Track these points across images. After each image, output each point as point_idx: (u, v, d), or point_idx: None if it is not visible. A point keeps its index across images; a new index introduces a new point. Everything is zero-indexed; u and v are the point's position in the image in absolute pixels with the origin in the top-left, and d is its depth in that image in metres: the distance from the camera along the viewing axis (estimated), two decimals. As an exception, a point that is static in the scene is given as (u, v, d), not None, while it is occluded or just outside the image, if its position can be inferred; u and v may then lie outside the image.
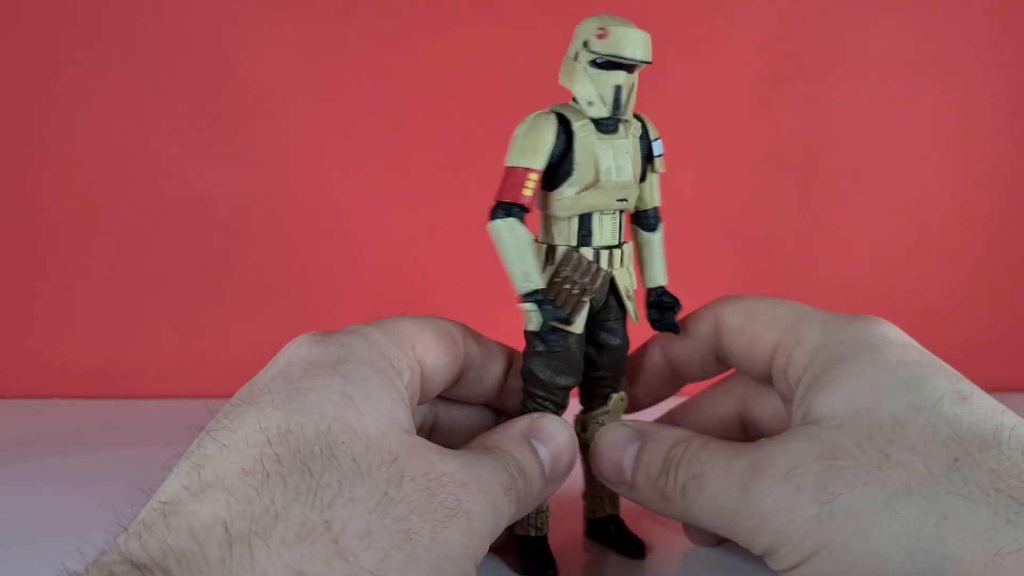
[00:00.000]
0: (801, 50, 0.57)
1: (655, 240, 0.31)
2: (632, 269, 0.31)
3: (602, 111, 0.28)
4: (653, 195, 0.31)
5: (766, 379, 0.30)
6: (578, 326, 0.29)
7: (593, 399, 0.31)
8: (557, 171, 0.28)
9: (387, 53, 0.56)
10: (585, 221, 0.29)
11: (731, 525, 0.25)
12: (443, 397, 0.31)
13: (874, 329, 0.27)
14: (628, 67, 0.28)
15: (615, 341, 0.31)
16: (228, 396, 0.25)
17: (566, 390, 0.30)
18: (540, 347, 0.29)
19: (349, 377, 0.23)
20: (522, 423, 0.28)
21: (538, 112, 0.28)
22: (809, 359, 0.27)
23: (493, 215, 0.27)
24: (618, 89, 0.28)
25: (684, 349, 0.32)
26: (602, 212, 0.29)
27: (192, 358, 0.59)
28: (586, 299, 0.28)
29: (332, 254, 0.59)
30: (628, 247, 0.30)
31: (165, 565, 0.17)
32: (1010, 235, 0.59)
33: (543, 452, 0.27)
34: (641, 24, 0.28)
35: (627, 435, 0.29)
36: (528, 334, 0.29)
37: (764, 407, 0.31)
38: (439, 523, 0.21)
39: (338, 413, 0.22)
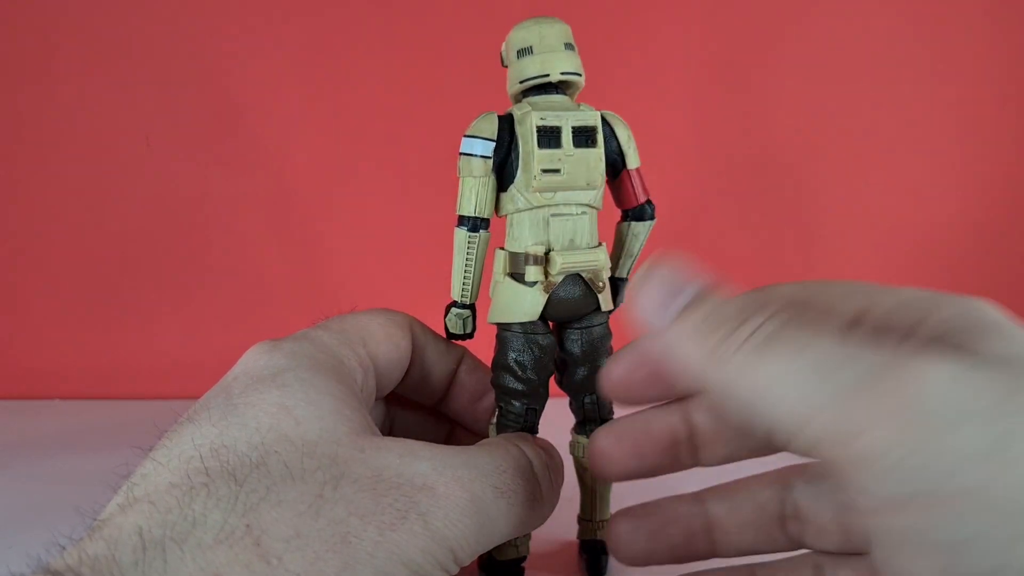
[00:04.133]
0: (787, 44, 0.57)
1: None
2: None
3: None
4: None
5: None
6: None
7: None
8: None
9: (387, 53, 0.57)
10: None
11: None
12: (396, 396, 0.31)
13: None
14: None
15: None
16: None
17: None
18: None
19: (288, 387, 0.23)
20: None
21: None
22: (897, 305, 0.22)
23: (653, 213, 0.30)
24: None
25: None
26: None
27: (192, 358, 0.59)
28: None
29: (332, 254, 0.59)
30: None
31: (79, 571, 0.18)
32: (1007, 233, 0.59)
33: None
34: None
35: (684, 279, 0.22)
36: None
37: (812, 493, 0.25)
38: (386, 525, 0.20)
39: (273, 423, 0.22)
